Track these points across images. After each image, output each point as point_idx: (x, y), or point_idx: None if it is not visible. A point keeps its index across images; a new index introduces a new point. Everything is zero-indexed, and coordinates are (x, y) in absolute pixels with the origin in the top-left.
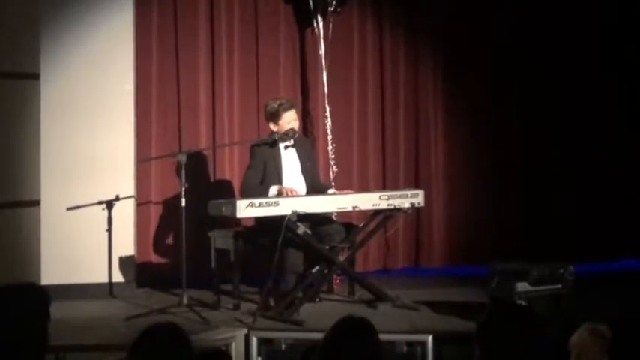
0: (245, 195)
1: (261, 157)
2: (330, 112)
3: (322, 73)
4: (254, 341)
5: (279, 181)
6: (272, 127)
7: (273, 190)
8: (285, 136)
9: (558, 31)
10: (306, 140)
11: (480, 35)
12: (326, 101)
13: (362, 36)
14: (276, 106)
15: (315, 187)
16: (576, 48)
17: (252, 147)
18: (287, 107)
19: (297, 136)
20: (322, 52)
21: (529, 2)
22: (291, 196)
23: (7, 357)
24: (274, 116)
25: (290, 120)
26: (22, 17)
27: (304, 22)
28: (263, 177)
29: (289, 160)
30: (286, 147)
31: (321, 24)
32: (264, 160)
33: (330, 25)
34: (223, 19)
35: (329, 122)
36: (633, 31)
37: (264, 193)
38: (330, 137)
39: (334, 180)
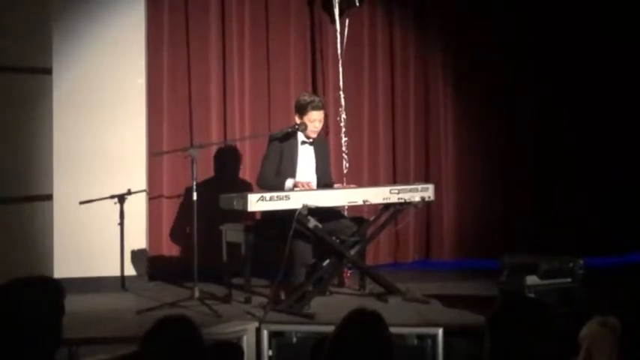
0: (262, 185)
1: (277, 148)
2: (344, 106)
3: (337, 67)
4: (265, 334)
5: (293, 174)
6: (297, 119)
7: (289, 183)
8: (296, 128)
9: (567, 29)
10: (324, 141)
11: (489, 31)
12: (342, 95)
13: (372, 32)
14: (307, 100)
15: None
16: (584, 46)
17: (270, 137)
18: (316, 107)
19: (304, 131)
20: (339, 46)
21: (538, 2)
22: (304, 190)
23: (22, 350)
24: (301, 110)
25: (315, 119)
26: (34, 12)
27: (317, 16)
28: (278, 168)
29: (305, 155)
30: (303, 142)
31: (337, 19)
32: (281, 152)
33: (347, 21)
34: (234, 13)
35: (343, 115)
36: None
37: (280, 184)
38: (344, 130)
39: (345, 175)
